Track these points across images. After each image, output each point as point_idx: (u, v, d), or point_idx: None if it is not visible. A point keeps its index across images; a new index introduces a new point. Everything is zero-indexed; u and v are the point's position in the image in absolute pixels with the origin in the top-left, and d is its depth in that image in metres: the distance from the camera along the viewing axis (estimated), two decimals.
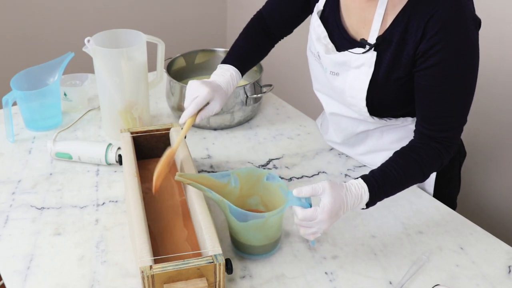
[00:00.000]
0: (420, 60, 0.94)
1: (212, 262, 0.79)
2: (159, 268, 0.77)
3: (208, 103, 1.03)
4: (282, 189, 0.93)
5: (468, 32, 0.91)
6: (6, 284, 0.89)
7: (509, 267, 0.95)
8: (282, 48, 2.46)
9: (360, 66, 1.01)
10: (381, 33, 0.98)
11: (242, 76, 1.14)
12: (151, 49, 1.26)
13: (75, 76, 1.43)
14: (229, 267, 0.81)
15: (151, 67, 1.31)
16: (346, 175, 1.18)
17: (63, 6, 2.26)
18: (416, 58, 0.95)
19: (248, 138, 1.31)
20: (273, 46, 1.24)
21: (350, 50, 1.01)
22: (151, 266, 0.77)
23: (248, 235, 0.91)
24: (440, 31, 0.91)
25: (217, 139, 1.30)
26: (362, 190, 0.92)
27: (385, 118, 1.09)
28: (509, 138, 1.59)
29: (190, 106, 1.02)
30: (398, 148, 1.01)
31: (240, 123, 1.36)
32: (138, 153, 1.10)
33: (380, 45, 0.98)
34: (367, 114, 1.06)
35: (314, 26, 1.08)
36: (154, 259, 0.80)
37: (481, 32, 0.95)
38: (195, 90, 1.02)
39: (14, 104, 1.35)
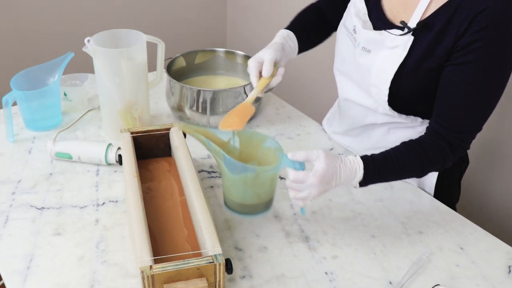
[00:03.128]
0: (457, 54, 0.93)
1: (212, 262, 0.79)
2: (159, 268, 0.77)
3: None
4: (279, 153, 0.93)
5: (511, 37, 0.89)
6: (6, 284, 0.89)
7: (509, 267, 0.95)
8: None
9: (394, 47, 0.99)
10: (422, 19, 0.96)
11: (299, 48, 1.16)
12: (151, 49, 1.26)
13: (75, 76, 1.43)
14: (229, 267, 0.81)
15: (151, 67, 1.31)
16: None
17: (63, 6, 2.26)
18: (454, 51, 0.93)
19: None
20: (329, 35, 1.26)
21: (388, 30, 1.00)
22: (151, 266, 0.77)
23: (239, 190, 0.92)
24: (487, 28, 0.88)
25: None
26: (357, 166, 0.92)
27: (398, 112, 1.07)
28: (509, 138, 1.59)
29: (265, 66, 1.03)
30: None
31: None
32: (138, 153, 1.10)
33: (419, 31, 0.96)
34: (385, 98, 1.03)
35: (355, 1, 1.08)
36: (154, 259, 0.80)
37: None
38: (258, 58, 1.04)
39: (14, 104, 1.35)
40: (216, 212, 1.06)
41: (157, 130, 1.11)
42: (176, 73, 1.43)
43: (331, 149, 1.28)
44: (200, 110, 1.31)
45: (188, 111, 1.32)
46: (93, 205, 1.07)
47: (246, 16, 2.64)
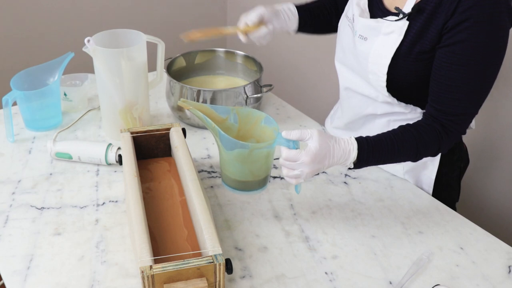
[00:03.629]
0: (447, 35, 0.95)
1: (212, 262, 0.79)
2: (159, 268, 0.77)
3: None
4: (275, 131, 0.94)
5: (500, 17, 0.91)
6: (6, 284, 0.89)
7: (509, 267, 0.95)
8: (283, 48, 2.46)
9: (390, 33, 1.01)
10: (416, 3, 0.98)
11: (299, 25, 1.24)
12: (151, 49, 1.25)
13: (75, 76, 1.43)
14: (229, 267, 0.81)
15: (151, 67, 1.31)
16: (346, 175, 1.18)
17: (63, 6, 2.26)
18: (444, 33, 0.95)
19: None
20: (334, 29, 1.27)
21: (384, 17, 1.03)
22: (151, 266, 0.77)
23: (234, 166, 0.94)
24: (472, 8, 0.90)
25: None
26: (351, 147, 0.93)
27: (397, 100, 1.08)
28: (509, 138, 1.59)
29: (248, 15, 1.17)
30: None
31: None
32: (138, 153, 1.10)
33: (413, 15, 0.98)
34: (384, 84, 1.05)
35: None
36: (154, 259, 0.80)
37: None
38: (248, 13, 1.19)
39: (14, 104, 1.35)
40: (216, 212, 1.06)
41: (157, 130, 1.11)
42: (176, 73, 1.43)
43: None
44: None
45: (188, 111, 1.32)
46: (93, 205, 1.07)
47: None
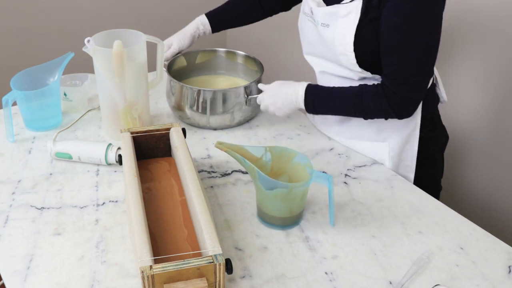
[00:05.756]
0: (383, 2, 1.03)
1: (212, 262, 0.79)
2: (159, 268, 0.77)
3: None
4: (309, 168, 0.99)
5: None
6: (6, 284, 0.89)
7: (509, 267, 0.95)
8: (283, 48, 2.46)
9: (347, 14, 1.08)
10: None
11: (214, 29, 1.43)
12: (151, 49, 1.25)
13: (75, 76, 1.43)
14: (229, 267, 0.81)
15: (151, 67, 1.31)
16: (346, 175, 1.19)
17: (63, 6, 2.26)
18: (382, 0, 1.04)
19: (248, 138, 1.31)
20: (264, 16, 1.43)
21: (339, 3, 1.11)
22: (151, 266, 0.77)
23: (272, 204, 0.98)
24: None
25: (217, 139, 1.29)
26: (299, 87, 1.17)
27: (371, 73, 1.14)
28: (510, 137, 1.59)
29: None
30: (380, 120, 1.17)
31: (240, 123, 1.36)
32: (138, 153, 1.10)
33: None
34: (354, 61, 1.11)
35: None
36: (154, 259, 0.80)
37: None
38: (168, 43, 1.40)
39: (14, 104, 1.35)
40: (216, 212, 1.06)
41: (157, 130, 1.11)
42: (177, 72, 1.42)
43: (331, 149, 1.28)
44: (200, 110, 1.31)
45: (188, 111, 1.32)
46: (93, 205, 1.07)
47: None
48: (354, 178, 1.18)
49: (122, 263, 0.93)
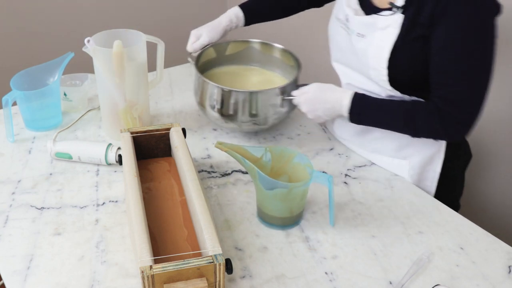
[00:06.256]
0: (434, 20, 0.98)
1: (212, 262, 0.79)
2: (159, 268, 0.77)
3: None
4: (309, 168, 0.99)
5: (482, 5, 0.95)
6: (6, 284, 0.89)
7: (509, 267, 0.95)
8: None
9: (386, 27, 1.04)
10: None
11: (247, 22, 1.34)
12: (151, 49, 1.25)
13: (75, 76, 1.43)
14: (229, 267, 0.81)
15: (151, 67, 1.31)
16: (346, 175, 1.18)
17: (63, 6, 2.26)
18: (433, 18, 0.98)
19: (248, 138, 1.31)
20: (296, 11, 1.38)
21: (378, 13, 1.05)
22: (151, 266, 0.77)
23: (272, 204, 0.98)
24: None
25: (217, 139, 1.30)
26: (345, 94, 1.08)
27: (400, 93, 1.09)
28: (510, 137, 1.59)
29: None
30: (404, 137, 1.11)
31: (274, 125, 1.28)
32: (138, 153, 1.10)
33: (406, 7, 1.01)
34: (385, 78, 1.06)
35: None
36: (154, 259, 0.80)
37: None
38: (198, 35, 1.32)
39: (14, 104, 1.35)
40: (216, 212, 1.06)
41: (157, 130, 1.11)
42: (205, 65, 1.33)
43: (331, 149, 1.28)
44: (231, 112, 1.19)
45: (214, 113, 1.22)
46: (93, 205, 1.07)
47: None
48: (354, 178, 1.18)
49: (122, 263, 0.93)
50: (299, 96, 1.14)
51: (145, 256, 0.79)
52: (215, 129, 1.34)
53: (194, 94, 1.29)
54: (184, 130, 1.11)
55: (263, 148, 1.02)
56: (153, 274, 0.77)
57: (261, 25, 1.43)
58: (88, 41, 1.13)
